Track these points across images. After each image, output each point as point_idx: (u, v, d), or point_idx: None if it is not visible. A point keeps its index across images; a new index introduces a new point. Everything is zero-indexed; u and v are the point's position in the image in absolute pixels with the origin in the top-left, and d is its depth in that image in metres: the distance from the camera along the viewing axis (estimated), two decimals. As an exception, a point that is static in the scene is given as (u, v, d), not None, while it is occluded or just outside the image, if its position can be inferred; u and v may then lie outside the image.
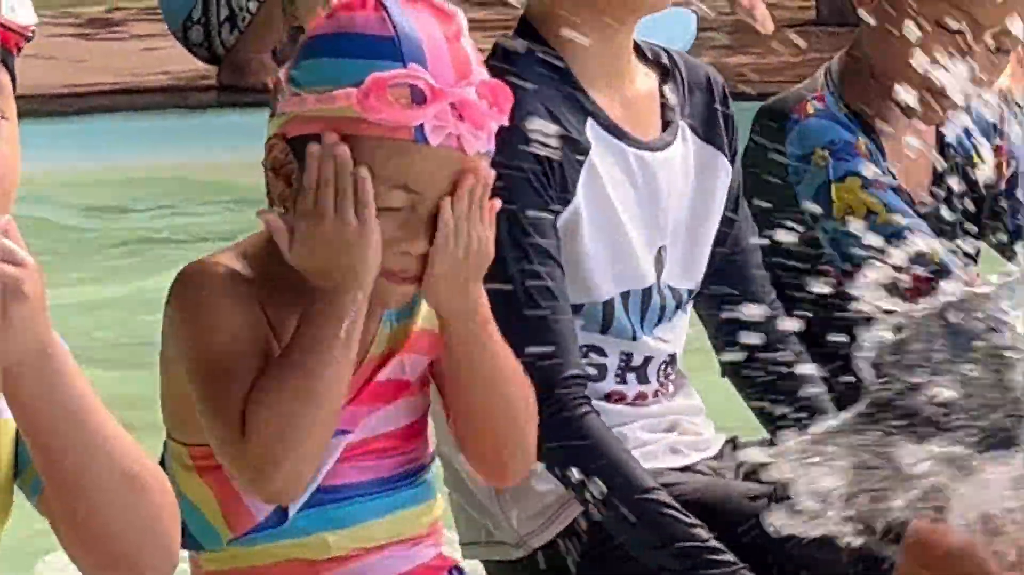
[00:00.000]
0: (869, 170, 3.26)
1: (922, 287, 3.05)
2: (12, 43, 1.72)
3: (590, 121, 2.87)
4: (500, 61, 2.78)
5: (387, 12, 2.17)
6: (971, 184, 3.47)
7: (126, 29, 10.49)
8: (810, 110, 3.28)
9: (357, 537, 2.38)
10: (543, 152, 2.78)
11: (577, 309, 2.86)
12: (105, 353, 5.32)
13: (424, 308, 2.39)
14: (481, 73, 2.19)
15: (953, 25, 3.27)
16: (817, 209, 3.25)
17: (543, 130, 2.78)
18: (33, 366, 1.66)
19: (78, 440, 1.75)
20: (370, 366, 2.32)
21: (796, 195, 3.27)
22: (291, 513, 2.32)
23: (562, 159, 2.81)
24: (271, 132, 2.24)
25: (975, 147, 3.51)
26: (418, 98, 2.11)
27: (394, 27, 2.16)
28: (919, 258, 3.09)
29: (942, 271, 3.14)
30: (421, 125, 2.13)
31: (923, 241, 3.15)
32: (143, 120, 7.90)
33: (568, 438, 2.74)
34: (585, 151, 2.85)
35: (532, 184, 2.79)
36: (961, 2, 3.28)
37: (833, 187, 3.24)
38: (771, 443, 2.95)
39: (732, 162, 3.06)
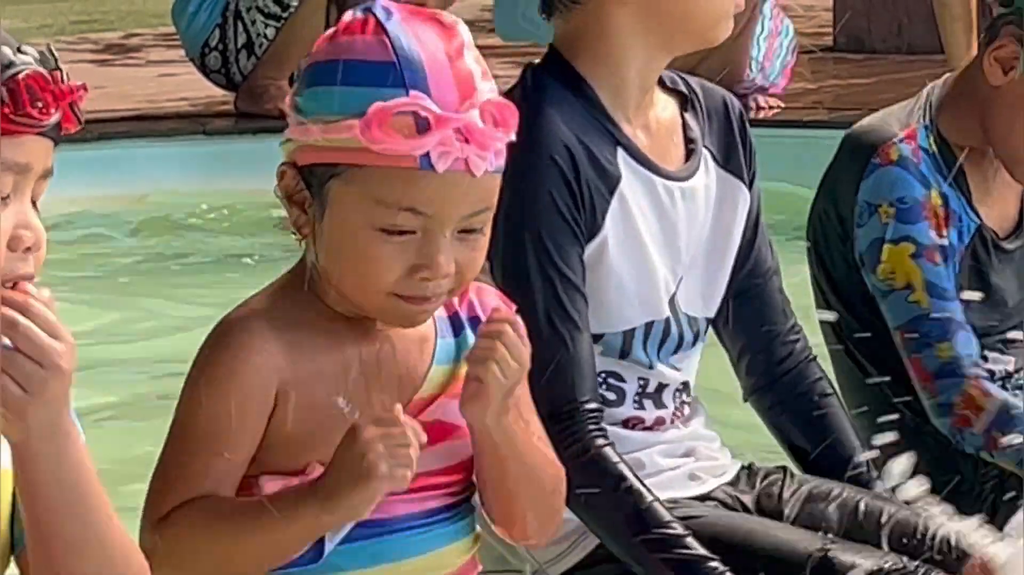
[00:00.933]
0: (928, 236, 3.30)
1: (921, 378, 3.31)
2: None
3: (620, 151, 2.85)
4: (530, 90, 2.80)
5: (387, 36, 2.15)
6: None
7: (143, 55, 10.47)
8: (893, 156, 3.30)
9: (395, 573, 2.38)
10: (574, 182, 2.78)
11: (597, 338, 2.83)
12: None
13: (459, 367, 2.40)
14: (486, 90, 2.16)
15: None
16: (868, 259, 3.29)
17: (575, 160, 2.79)
18: (51, 440, 1.69)
19: (75, 519, 1.78)
20: (417, 407, 2.30)
21: (855, 237, 3.32)
22: (327, 550, 2.31)
23: (592, 189, 2.79)
24: (283, 159, 2.24)
25: None
26: (422, 126, 2.10)
27: (395, 52, 2.14)
28: (928, 348, 3.29)
29: (945, 368, 3.28)
30: (427, 153, 2.12)
31: (941, 332, 3.28)
32: (161, 146, 7.91)
33: (585, 472, 2.72)
34: (616, 181, 2.83)
35: (562, 213, 2.77)
36: None
37: (886, 247, 3.27)
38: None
39: (751, 187, 3.02)
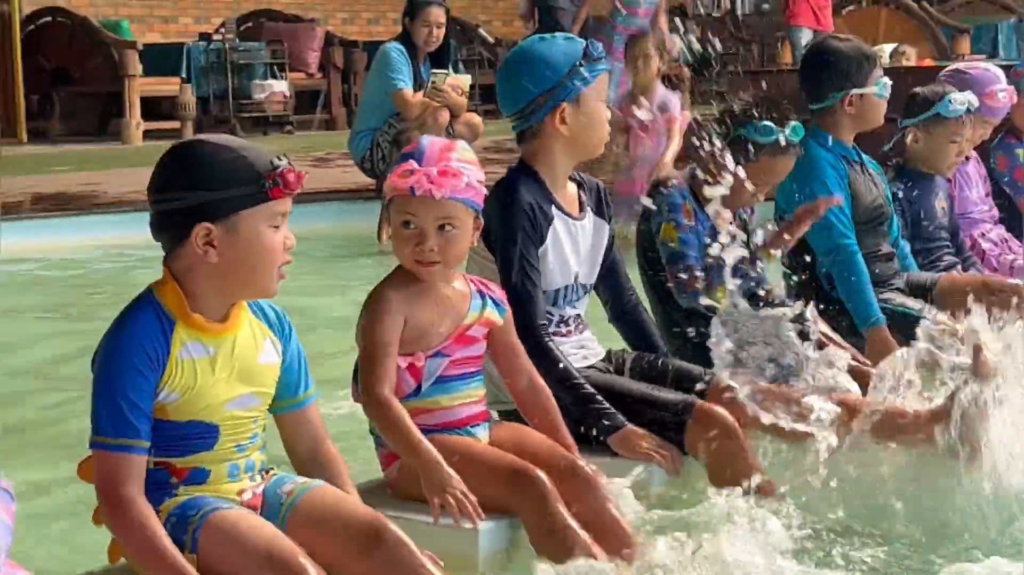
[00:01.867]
0: (683, 217, 4.09)
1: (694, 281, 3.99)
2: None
3: (552, 207, 3.66)
4: (512, 176, 3.61)
5: (419, 141, 3.17)
6: (745, 229, 4.23)
7: (335, 160, 12.50)
8: (669, 185, 4.19)
9: (453, 398, 3.26)
10: (532, 218, 3.58)
11: (543, 293, 3.61)
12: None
13: (487, 307, 3.28)
14: (448, 167, 3.07)
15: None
16: (656, 232, 4.10)
17: (534, 211, 3.59)
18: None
19: None
20: (463, 327, 3.20)
21: (655, 224, 4.12)
22: (423, 388, 3.19)
23: (541, 223, 3.60)
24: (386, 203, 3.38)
25: (747, 214, 4.35)
26: (409, 172, 3.06)
27: (415, 147, 3.16)
28: (684, 272, 4.03)
29: (681, 273, 4.04)
30: (410, 186, 3.07)
31: (689, 261, 4.02)
32: (338, 203, 9.81)
33: (540, 354, 3.49)
34: (551, 220, 3.63)
35: (529, 236, 3.56)
36: (764, 176, 4.21)
37: (663, 225, 4.11)
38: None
39: (609, 223, 3.85)
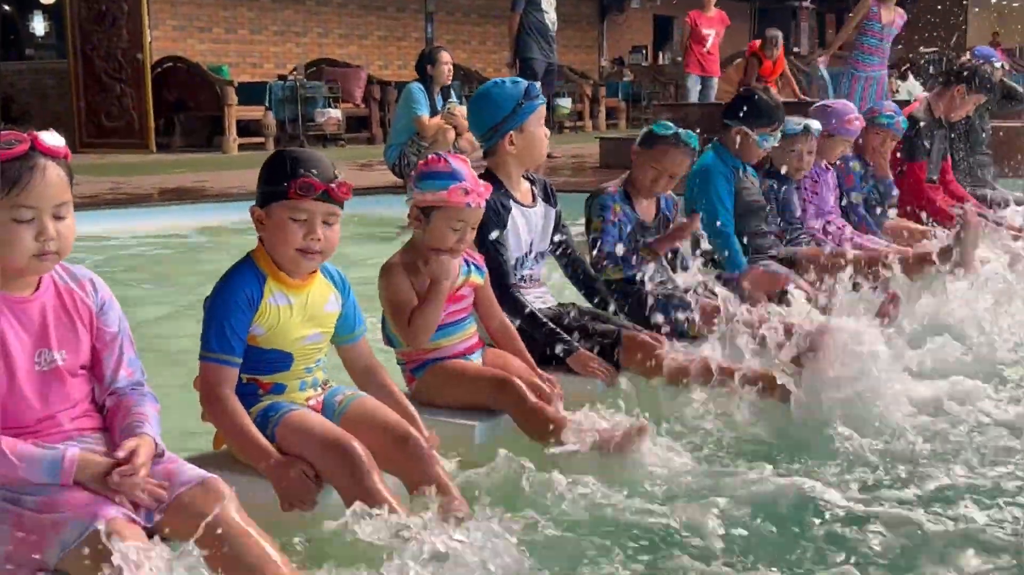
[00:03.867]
0: (610, 216, 4.04)
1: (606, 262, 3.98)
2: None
3: (510, 200, 3.62)
4: (483, 179, 3.31)
5: (449, 163, 3.06)
6: (668, 220, 4.21)
7: (375, 166, 11.97)
8: (604, 192, 4.11)
9: (451, 339, 3.22)
10: (498, 211, 3.54)
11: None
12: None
13: (472, 272, 3.21)
14: (484, 186, 3.09)
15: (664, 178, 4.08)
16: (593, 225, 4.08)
17: (498, 204, 3.53)
18: None
19: None
20: (455, 288, 3.14)
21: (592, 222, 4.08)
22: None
23: (503, 212, 3.56)
24: (410, 204, 3.08)
25: (671, 210, 4.28)
26: (465, 192, 3.02)
27: (453, 168, 3.05)
28: (609, 255, 4.00)
29: (604, 258, 4.00)
30: (468, 203, 3.02)
31: (608, 248, 4.01)
32: (371, 199, 9.05)
33: (512, 303, 3.47)
34: (509, 209, 3.59)
35: (495, 222, 3.50)
36: (660, 163, 4.07)
37: (594, 220, 4.08)
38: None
39: (555, 207, 3.78)
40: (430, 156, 3.06)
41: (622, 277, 3.98)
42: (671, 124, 4.08)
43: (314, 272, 2.60)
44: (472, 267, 3.22)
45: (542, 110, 3.62)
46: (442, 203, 3.01)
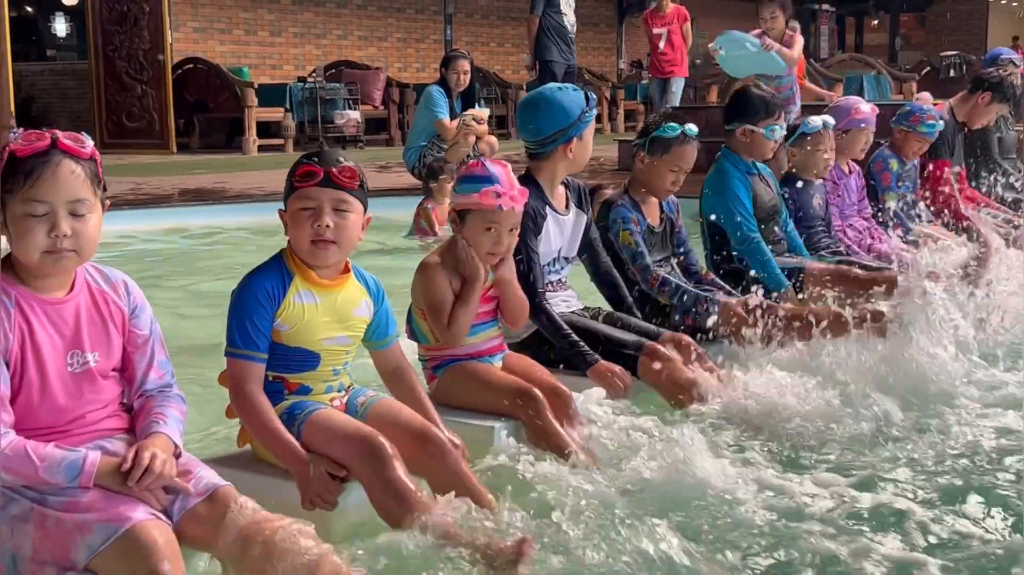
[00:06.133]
0: (633, 227, 4.05)
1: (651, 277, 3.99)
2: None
3: (547, 207, 3.62)
4: (522, 183, 3.30)
5: (485, 167, 3.10)
6: (673, 223, 4.25)
7: (393, 168, 12.42)
8: (617, 203, 4.10)
9: (477, 338, 3.22)
10: (535, 218, 3.54)
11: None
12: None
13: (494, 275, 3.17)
14: (521, 189, 3.11)
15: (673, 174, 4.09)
16: (614, 236, 4.04)
17: (535, 213, 3.53)
18: None
19: None
20: (486, 290, 3.16)
21: (613, 235, 4.04)
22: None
23: (538, 220, 3.54)
24: (451, 208, 3.17)
25: (673, 213, 4.27)
26: (497, 195, 3.05)
27: (489, 172, 3.08)
28: (644, 267, 4.01)
29: (643, 269, 4.03)
30: (500, 205, 3.04)
31: (647, 259, 4.01)
32: (392, 199, 8.96)
33: (539, 312, 3.47)
34: (545, 216, 3.59)
35: (531, 228, 3.49)
36: (678, 163, 4.08)
37: (621, 232, 4.07)
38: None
39: (587, 214, 3.79)
40: (471, 161, 3.09)
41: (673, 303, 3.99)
42: (674, 124, 4.06)
43: (346, 273, 2.61)
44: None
45: (594, 117, 3.67)
46: (475, 206, 3.04)
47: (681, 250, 4.27)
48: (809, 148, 4.99)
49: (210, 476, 2.14)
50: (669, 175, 4.06)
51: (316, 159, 2.47)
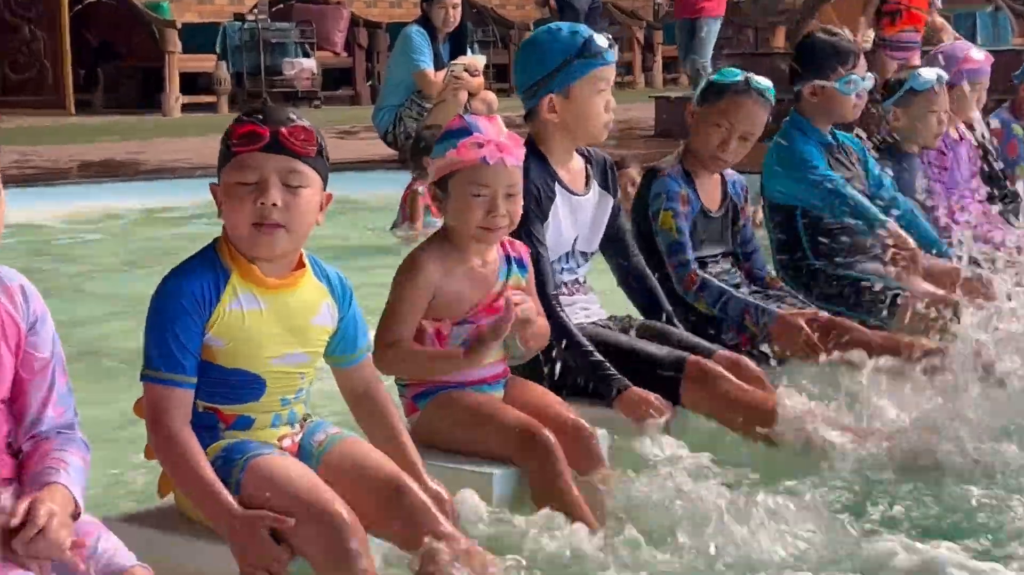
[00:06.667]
0: (679, 207, 4.06)
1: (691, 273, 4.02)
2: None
3: (556, 184, 3.64)
4: (526, 152, 3.29)
5: (463, 119, 3.16)
6: (737, 211, 4.28)
7: (359, 133, 12.45)
8: (665, 173, 4.12)
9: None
10: (539, 199, 3.56)
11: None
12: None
13: (513, 273, 3.24)
14: (511, 136, 3.07)
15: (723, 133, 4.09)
16: (654, 218, 4.08)
17: (539, 191, 3.56)
18: None
19: None
20: (491, 297, 3.19)
21: (652, 212, 4.09)
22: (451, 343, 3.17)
23: (544, 200, 3.59)
24: (429, 183, 3.23)
25: (740, 197, 4.30)
26: (479, 145, 3.01)
27: (465, 123, 3.11)
28: (683, 263, 4.04)
29: (680, 265, 4.06)
30: (484, 156, 3.02)
31: (687, 253, 4.05)
32: (363, 173, 9.11)
33: (551, 320, 3.41)
34: (553, 197, 3.61)
35: (536, 212, 3.52)
36: (728, 118, 4.10)
37: (661, 212, 4.07)
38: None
39: (614, 196, 3.82)
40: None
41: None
42: (735, 70, 4.11)
43: (300, 269, 2.59)
44: (514, 264, 3.24)
45: (604, 73, 3.59)
46: (453, 166, 3.05)
47: (749, 247, 4.30)
48: (921, 108, 5.00)
49: (115, 551, 2.12)
50: (716, 133, 4.06)
51: (260, 117, 2.48)
